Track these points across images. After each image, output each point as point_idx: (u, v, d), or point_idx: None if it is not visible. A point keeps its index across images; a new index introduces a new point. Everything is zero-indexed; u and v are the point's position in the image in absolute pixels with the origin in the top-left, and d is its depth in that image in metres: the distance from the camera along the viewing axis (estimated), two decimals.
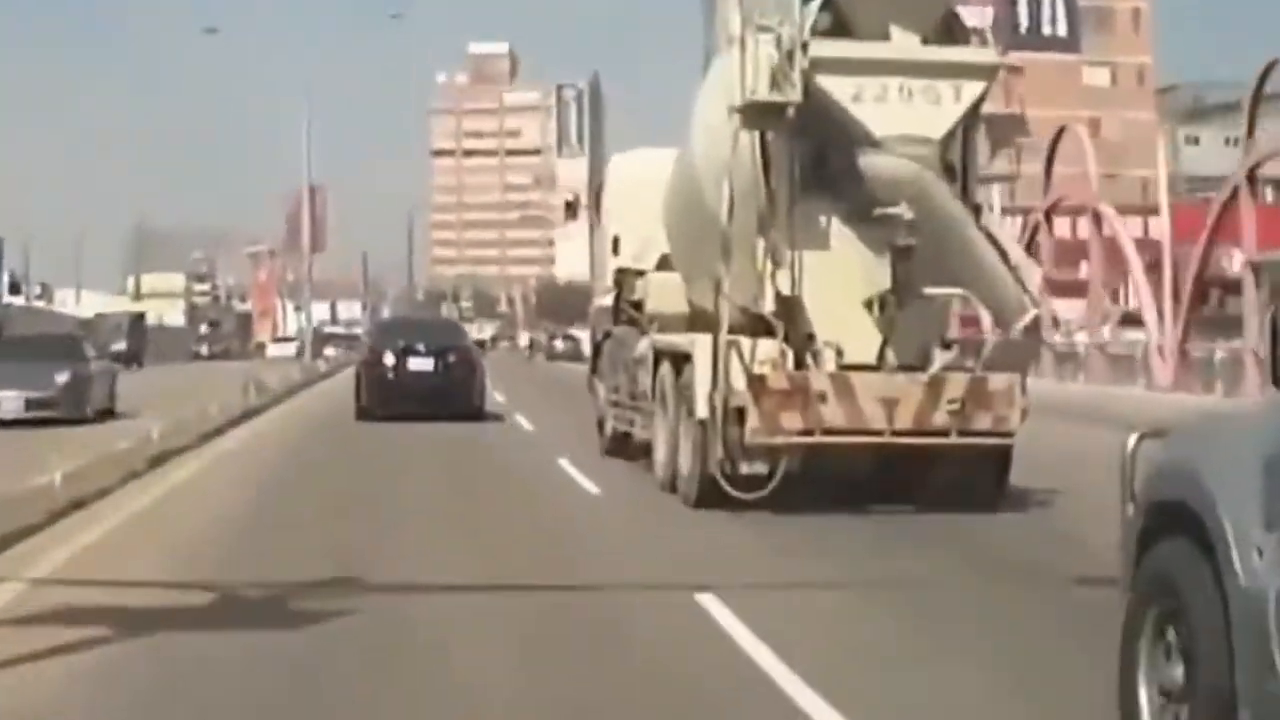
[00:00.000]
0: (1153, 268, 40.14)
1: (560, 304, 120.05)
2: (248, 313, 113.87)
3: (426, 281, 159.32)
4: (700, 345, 13.76)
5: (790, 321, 13.38)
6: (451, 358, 26.99)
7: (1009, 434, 13.43)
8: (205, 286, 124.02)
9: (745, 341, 13.43)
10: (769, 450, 13.28)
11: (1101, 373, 40.82)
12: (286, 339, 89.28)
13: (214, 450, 20.92)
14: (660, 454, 15.46)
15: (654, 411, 15.79)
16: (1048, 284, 41.74)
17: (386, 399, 26.24)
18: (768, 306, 13.49)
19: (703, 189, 14.43)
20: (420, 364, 26.68)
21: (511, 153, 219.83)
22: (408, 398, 26.02)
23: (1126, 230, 43.06)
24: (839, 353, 13.34)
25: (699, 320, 15.92)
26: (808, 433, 13.12)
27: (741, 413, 13.19)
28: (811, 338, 13.40)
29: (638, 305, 17.92)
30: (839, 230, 13.50)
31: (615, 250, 19.47)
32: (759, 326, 13.55)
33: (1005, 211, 46.68)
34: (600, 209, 20.85)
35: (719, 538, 12.45)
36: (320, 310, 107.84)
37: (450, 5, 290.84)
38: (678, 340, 15.05)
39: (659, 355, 15.64)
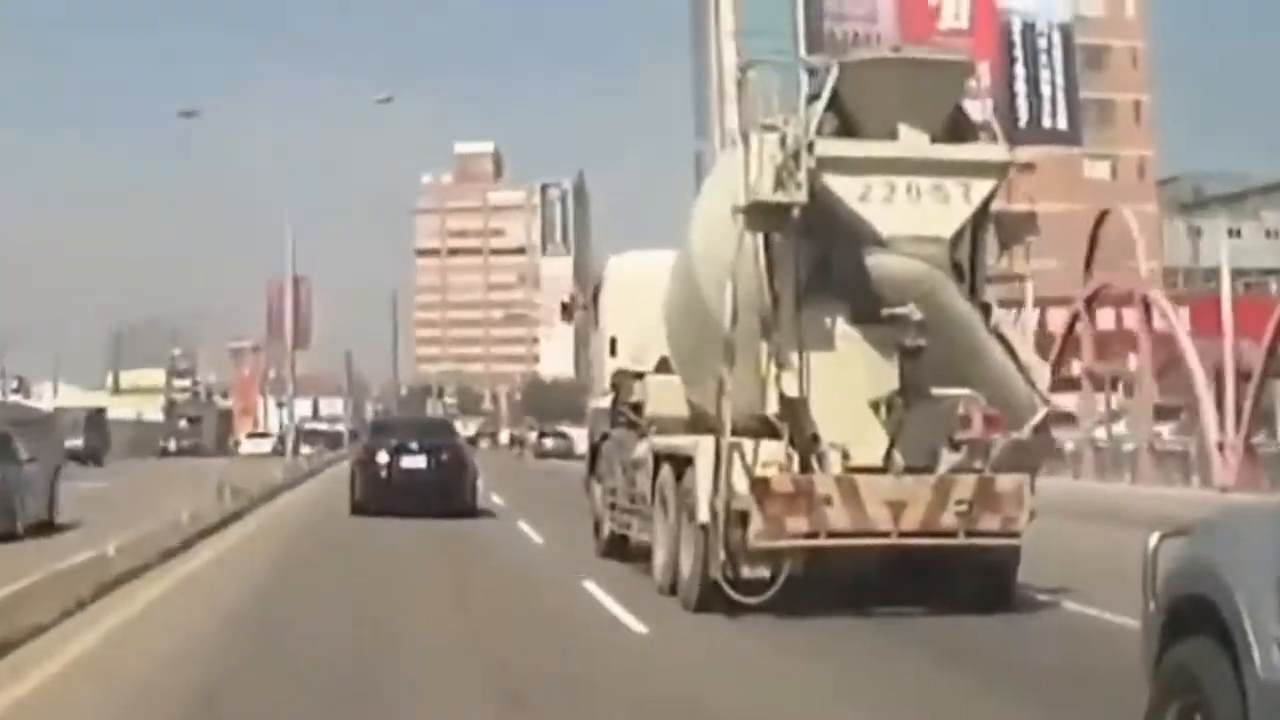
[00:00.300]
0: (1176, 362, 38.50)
1: (545, 401, 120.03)
2: (229, 409, 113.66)
3: (411, 378, 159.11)
4: (702, 448, 13.62)
5: (795, 423, 13.26)
6: (444, 455, 27.80)
7: (1016, 534, 13.31)
8: (186, 383, 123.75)
9: (748, 444, 13.29)
10: (772, 554, 13.13)
11: (1149, 472, 38.05)
12: (262, 434, 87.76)
13: (176, 574, 17.32)
14: (660, 557, 15.27)
15: (653, 515, 15.63)
16: (1089, 377, 41.35)
17: (380, 495, 26.94)
18: (771, 409, 13.37)
19: (703, 291, 14.35)
20: (413, 461, 27.51)
21: (496, 251, 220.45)
22: (401, 494, 26.65)
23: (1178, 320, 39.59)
24: (845, 455, 13.22)
25: (699, 423, 15.80)
26: (813, 535, 12.96)
27: (744, 516, 13.04)
28: (816, 439, 13.27)
29: (636, 407, 17.78)
30: (845, 331, 13.41)
31: (613, 352, 19.37)
32: (763, 429, 13.43)
33: (1036, 303, 45.72)
34: (598, 309, 20.79)
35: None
36: (303, 407, 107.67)
37: (437, 106, 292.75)
38: (679, 443, 14.92)
39: (659, 458, 15.50)
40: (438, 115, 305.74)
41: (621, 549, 18.36)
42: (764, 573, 13.25)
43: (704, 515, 13.37)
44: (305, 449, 75.92)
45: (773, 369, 13.33)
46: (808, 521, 12.92)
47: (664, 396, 16.72)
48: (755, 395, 13.39)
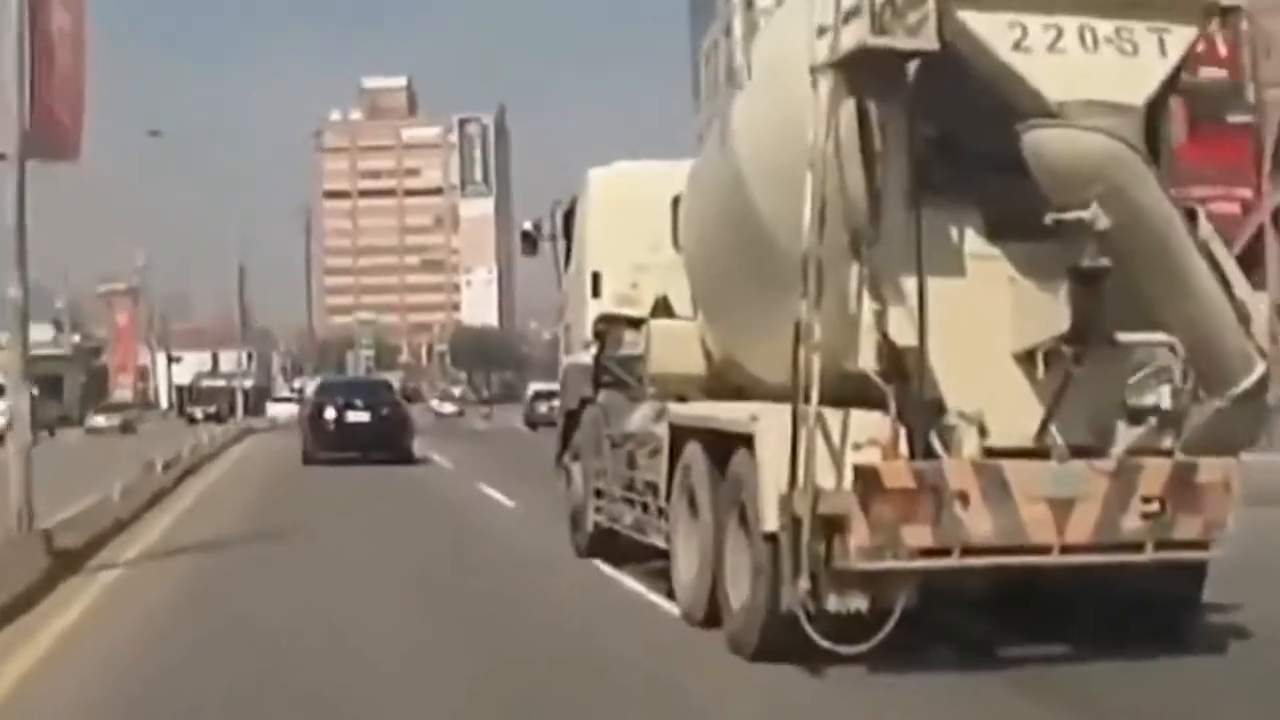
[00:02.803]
0: None
1: (478, 352, 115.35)
2: (104, 366, 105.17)
3: (323, 330, 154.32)
4: (768, 423, 9.74)
5: (906, 384, 9.44)
6: (384, 411, 34.51)
7: (1214, 544, 9.61)
8: (77, 338, 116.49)
9: (833, 416, 9.45)
10: (878, 579, 9.30)
11: None
12: (115, 406, 78.44)
13: None
14: (685, 573, 11.48)
15: (672, 514, 11.83)
16: None
17: (329, 445, 33.20)
18: (868, 362, 9.54)
19: (752, 195, 10.48)
20: (358, 416, 33.88)
21: (411, 193, 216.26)
22: (347, 444, 33.11)
23: None
24: (982, 430, 9.40)
25: (722, 383, 12.23)
26: (942, 552, 9.17)
27: (838, 523, 9.20)
28: (940, 409, 9.45)
29: (628, 363, 14.34)
30: (983, 249, 9.58)
31: (595, 291, 15.56)
32: (855, 393, 9.59)
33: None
34: (571, 239, 16.87)
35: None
36: (197, 361, 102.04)
37: (345, 42, 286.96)
38: (721, 414, 11.06)
39: (681, 434, 11.66)
40: (342, 46, 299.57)
41: (609, 545, 14.77)
42: (859, 604, 9.42)
43: (772, 522, 9.51)
44: (197, 412, 70.60)
45: (869, 304, 9.51)
46: (934, 532, 9.13)
47: (672, 349, 13.13)
48: (843, 342, 9.55)
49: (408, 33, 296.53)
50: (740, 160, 10.76)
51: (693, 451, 11.35)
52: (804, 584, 9.21)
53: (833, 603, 9.34)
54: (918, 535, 9.12)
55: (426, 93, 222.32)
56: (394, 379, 55.81)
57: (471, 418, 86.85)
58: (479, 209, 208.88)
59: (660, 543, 12.44)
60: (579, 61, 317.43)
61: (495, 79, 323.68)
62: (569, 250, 16.94)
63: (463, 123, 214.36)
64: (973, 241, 9.57)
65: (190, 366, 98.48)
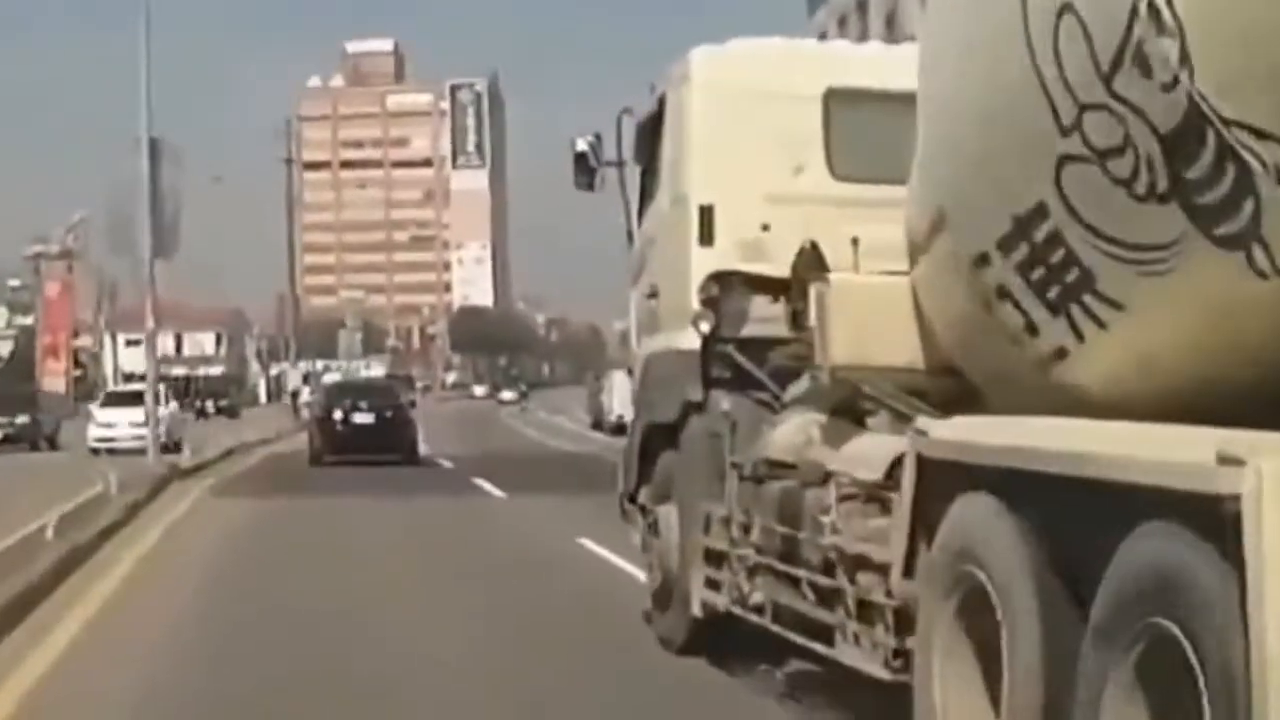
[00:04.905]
0: None
1: (481, 336, 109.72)
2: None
3: (305, 313, 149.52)
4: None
5: None
6: (389, 413, 37.21)
7: None
8: (29, 320, 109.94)
9: None
10: None
11: None
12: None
13: None
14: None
15: (924, 625, 6.79)
16: None
17: (336, 446, 35.74)
18: None
19: None
20: (364, 418, 36.52)
21: (398, 164, 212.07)
22: (353, 445, 35.46)
23: None
24: None
25: (1007, 383, 7.26)
26: None
27: None
28: None
29: (759, 349, 10.00)
30: None
31: (704, 237, 10.54)
32: None
33: None
34: (653, 160, 11.80)
35: None
36: (161, 345, 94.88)
37: (326, 1, 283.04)
38: (1097, 441, 5.84)
39: (954, 477, 6.61)
40: (323, 6, 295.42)
41: (724, 637, 9.99)
42: None
43: None
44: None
45: None
46: None
47: (871, 324, 8.30)
48: None
49: None
50: None
51: (982, 513, 6.33)
52: None
53: None
54: None
55: (415, 57, 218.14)
56: (379, 365, 55.37)
57: (501, 409, 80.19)
58: (471, 182, 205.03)
59: (870, 667, 7.47)
60: (581, 20, 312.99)
61: (489, 42, 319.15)
62: (649, 178, 11.87)
63: (454, 89, 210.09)
64: None
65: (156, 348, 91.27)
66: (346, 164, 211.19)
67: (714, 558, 9.96)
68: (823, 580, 8.21)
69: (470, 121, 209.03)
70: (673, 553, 10.85)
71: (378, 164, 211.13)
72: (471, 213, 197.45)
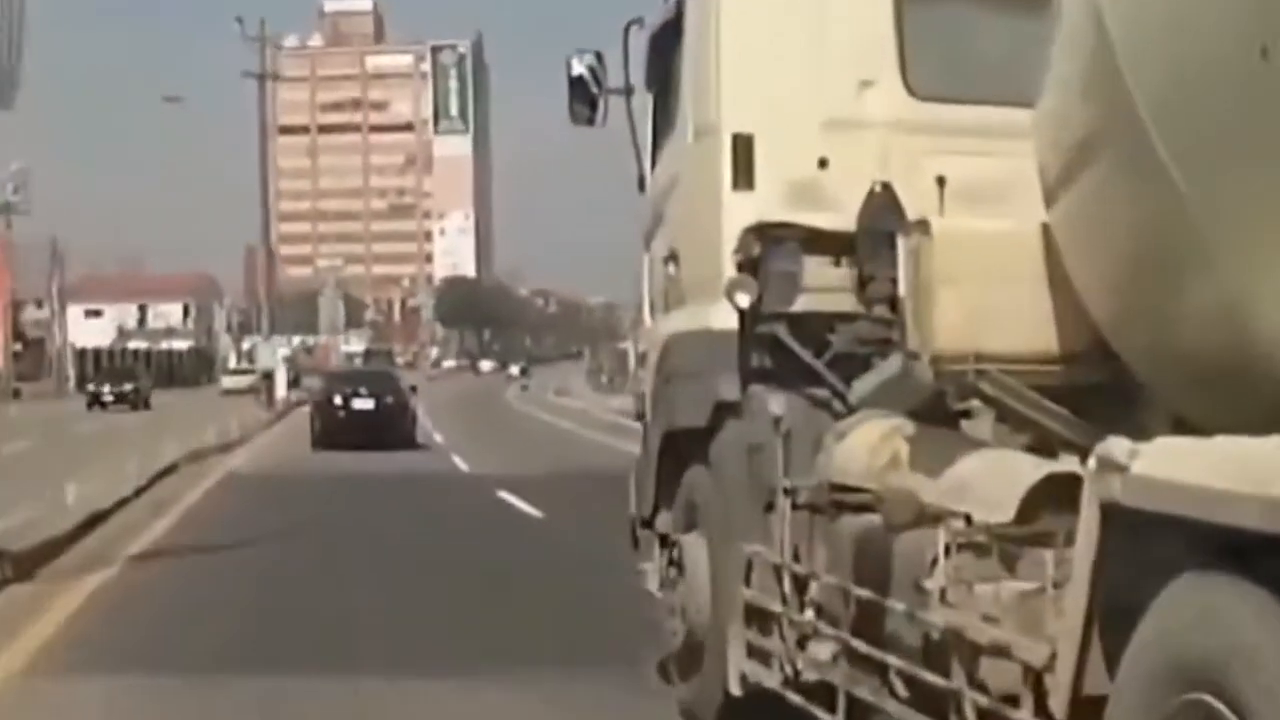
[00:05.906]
0: None
1: (468, 308, 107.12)
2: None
3: (278, 282, 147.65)
4: None
5: None
6: (388, 399, 38.95)
7: None
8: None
9: None
10: None
11: None
12: None
13: None
14: None
15: None
16: None
17: (337, 431, 37.10)
18: None
19: None
20: (364, 404, 38.22)
21: (377, 128, 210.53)
22: (354, 430, 36.72)
23: None
24: None
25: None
26: None
27: None
28: None
29: (816, 329, 7.97)
30: None
31: (740, 178, 8.28)
32: None
33: None
34: (669, 80, 9.30)
35: None
36: (116, 314, 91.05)
37: None
38: None
39: (1219, 544, 4.21)
40: None
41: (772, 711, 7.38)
42: None
43: None
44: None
45: None
46: None
47: (992, 294, 6.35)
48: None
49: None
50: None
51: (1233, 606, 4.08)
52: None
53: None
54: None
55: (395, 17, 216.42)
56: (358, 340, 56.10)
57: (505, 387, 76.30)
58: (454, 148, 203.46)
59: None
60: None
61: (472, 4, 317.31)
62: (666, 105, 9.41)
63: (435, 50, 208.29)
64: None
65: (111, 324, 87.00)
66: (324, 128, 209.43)
67: (758, 617, 7.53)
68: (926, 676, 5.78)
69: (453, 84, 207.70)
70: (701, 597, 8.41)
71: (356, 128, 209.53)
72: (454, 181, 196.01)
